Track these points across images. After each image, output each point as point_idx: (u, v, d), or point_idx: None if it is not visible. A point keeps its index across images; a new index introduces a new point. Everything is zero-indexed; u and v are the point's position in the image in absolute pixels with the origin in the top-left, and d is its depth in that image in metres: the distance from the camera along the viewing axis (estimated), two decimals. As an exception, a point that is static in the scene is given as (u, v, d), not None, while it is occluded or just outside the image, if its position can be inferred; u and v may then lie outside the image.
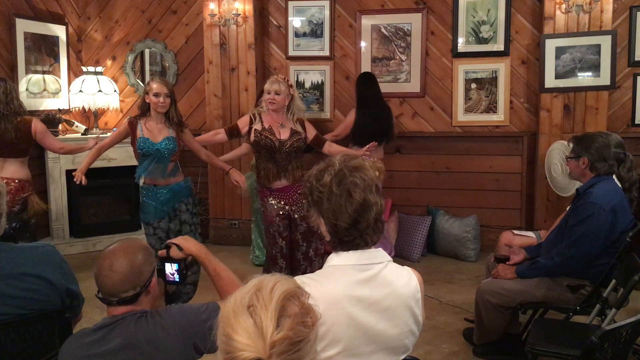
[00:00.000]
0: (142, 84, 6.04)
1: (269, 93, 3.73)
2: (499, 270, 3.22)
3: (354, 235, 1.57)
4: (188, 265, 1.95)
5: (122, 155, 5.40)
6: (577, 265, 2.96)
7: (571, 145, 3.18)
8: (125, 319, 1.67)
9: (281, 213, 3.78)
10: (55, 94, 5.70)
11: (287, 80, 3.83)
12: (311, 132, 3.86)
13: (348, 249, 1.59)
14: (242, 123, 3.87)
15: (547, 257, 3.05)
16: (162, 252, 1.86)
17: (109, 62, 6.11)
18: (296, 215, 3.79)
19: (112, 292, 1.69)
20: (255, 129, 3.76)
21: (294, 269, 3.80)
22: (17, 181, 3.95)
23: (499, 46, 5.22)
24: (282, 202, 3.78)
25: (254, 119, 3.81)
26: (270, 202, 3.80)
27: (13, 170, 3.95)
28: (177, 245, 1.93)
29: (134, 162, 5.18)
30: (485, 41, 5.27)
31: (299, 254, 3.84)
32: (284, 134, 3.74)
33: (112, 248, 1.74)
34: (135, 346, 1.63)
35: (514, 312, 3.18)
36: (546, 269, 3.03)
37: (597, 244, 2.91)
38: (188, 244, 1.94)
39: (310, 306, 1.16)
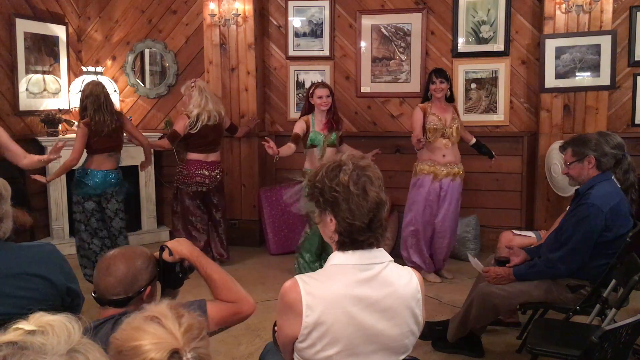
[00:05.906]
0: (142, 84, 6.04)
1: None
2: (492, 275, 3.08)
3: (367, 234, 1.57)
4: (186, 269, 1.90)
5: (122, 155, 5.38)
6: (566, 271, 2.93)
7: (568, 150, 3.05)
8: (104, 324, 1.68)
9: None
10: (55, 94, 5.70)
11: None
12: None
13: (356, 249, 1.59)
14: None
15: (543, 261, 3.01)
16: (155, 254, 1.83)
17: (109, 62, 6.11)
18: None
19: (104, 293, 1.72)
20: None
21: None
22: None
23: (499, 46, 5.22)
24: None
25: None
26: None
27: None
28: (169, 249, 1.85)
29: (134, 163, 5.21)
30: (485, 41, 5.27)
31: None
32: None
33: (113, 252, 1.79)
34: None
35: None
36: (542, 273, 3.00)
37: (588, 250, 2.89)
38: (179, 246, 1.85)
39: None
